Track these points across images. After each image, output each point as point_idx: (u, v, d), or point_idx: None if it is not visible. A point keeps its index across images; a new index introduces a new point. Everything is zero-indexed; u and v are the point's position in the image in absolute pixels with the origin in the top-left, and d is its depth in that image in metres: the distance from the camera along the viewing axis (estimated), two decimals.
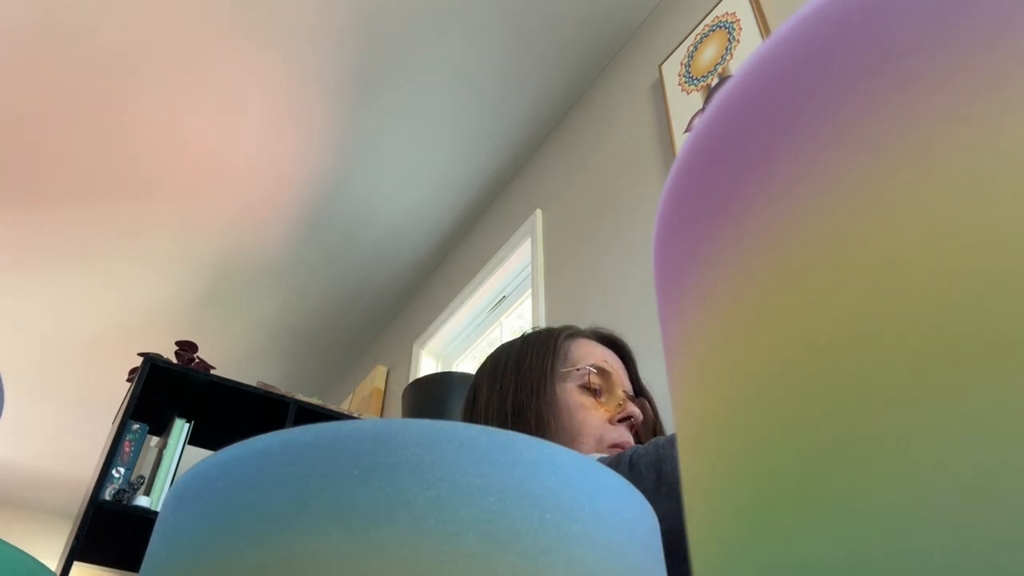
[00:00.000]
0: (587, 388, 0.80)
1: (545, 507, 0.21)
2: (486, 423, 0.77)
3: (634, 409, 0.80)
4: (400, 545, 0.20)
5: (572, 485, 0.22)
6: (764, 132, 0.14)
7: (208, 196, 2.59)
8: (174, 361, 2.07)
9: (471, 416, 0.84)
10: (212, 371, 2.13)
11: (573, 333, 0.87)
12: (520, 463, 0.22)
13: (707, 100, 1.58)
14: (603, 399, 0.80)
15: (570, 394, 0.79)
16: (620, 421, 0.79)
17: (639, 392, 0.86)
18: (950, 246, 0.11)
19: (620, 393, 0.81)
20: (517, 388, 0.79)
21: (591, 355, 0.83)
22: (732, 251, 0.15)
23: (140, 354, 1.96)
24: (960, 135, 0.11)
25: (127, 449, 1.97)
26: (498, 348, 0.89)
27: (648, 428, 0.84)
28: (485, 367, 0.86)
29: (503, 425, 0.75)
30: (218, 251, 2.84)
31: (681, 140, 1.60)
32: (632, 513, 0.24)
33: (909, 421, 0.10)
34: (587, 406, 0.78)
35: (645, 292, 1.52)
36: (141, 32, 2.03)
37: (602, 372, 0.81)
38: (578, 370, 0.80)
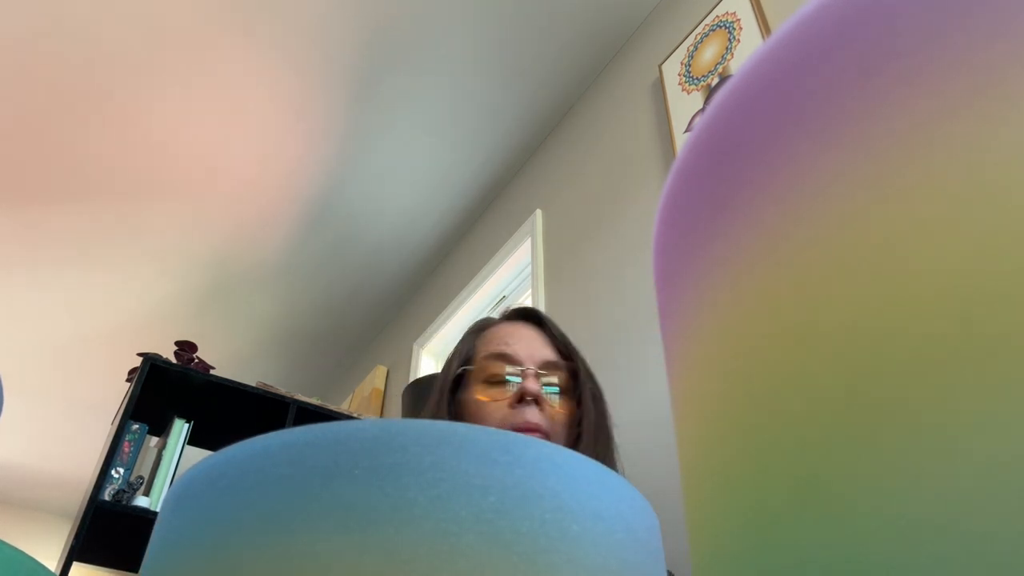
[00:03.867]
0: (489, 381, 0.78)
1: (545, 507, 0.21)
2: None
3: (530, 385, 0.77)
4: (400, 545, 0.20)
5: (572, 485, 0.22)
6: (764, 132, 0.14)
7: (208, 196, 2.59)
8: (174, 361, 2.07)
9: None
10: (212, 371, 2.13)
11: (482, 326, 0.86)
12: (520, 463, 0.22)
13: (707, 100, 1.58)
14: (506, 384, 0.78)
15: (472, 393, 0.78)
16: (520, 402, 0.76)
17: (566, 355, 0.83)
18: (950, 245, 0.11)
19: (509, 369, 0.78)
20: (437, 404, 0.79)
21: (491, 343, 0.82)
22: (732, 251, 0.15)
23: (140, 354, 1.96)
24: (960, 134, 0.11)
25: (127, 449, 1.97)
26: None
27: (575, 390, 0.81)
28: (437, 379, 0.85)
29: None
30: (218, 251, 2.84)
31: (681, 140, 1.60)
32: (632, 513, 0.24)
33: (908, 420, 0.10)
34: (486, 400, 0.77)
35: (645, 292, 1.52)
36: (142, 32, 2.03)
37: (497, 356, 0.79)
38: (473, 368, 0.80)
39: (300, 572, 0.20)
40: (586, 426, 0.78)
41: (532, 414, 0.76)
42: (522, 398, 0.76)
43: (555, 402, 0.78)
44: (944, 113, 0.11)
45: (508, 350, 0.80)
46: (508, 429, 0.73)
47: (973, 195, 0.11)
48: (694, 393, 0.16)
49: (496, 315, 0.90)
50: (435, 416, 0.78)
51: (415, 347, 2.73)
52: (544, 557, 0.20)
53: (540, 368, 0.79)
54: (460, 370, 0.81)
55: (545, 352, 0.81)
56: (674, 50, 1.73)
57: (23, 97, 2.20)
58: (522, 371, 0.79)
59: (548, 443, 0.23)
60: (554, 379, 0.80)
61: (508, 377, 0.78)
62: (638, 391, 1.39)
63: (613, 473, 0.24)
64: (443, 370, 0.83)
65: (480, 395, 0.77)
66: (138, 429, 2.02)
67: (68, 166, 2.45)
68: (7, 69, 2.11)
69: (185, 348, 2.15)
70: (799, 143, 0.14)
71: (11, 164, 2.43)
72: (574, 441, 0.78)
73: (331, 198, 2.61)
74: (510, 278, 2.33)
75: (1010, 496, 0.09)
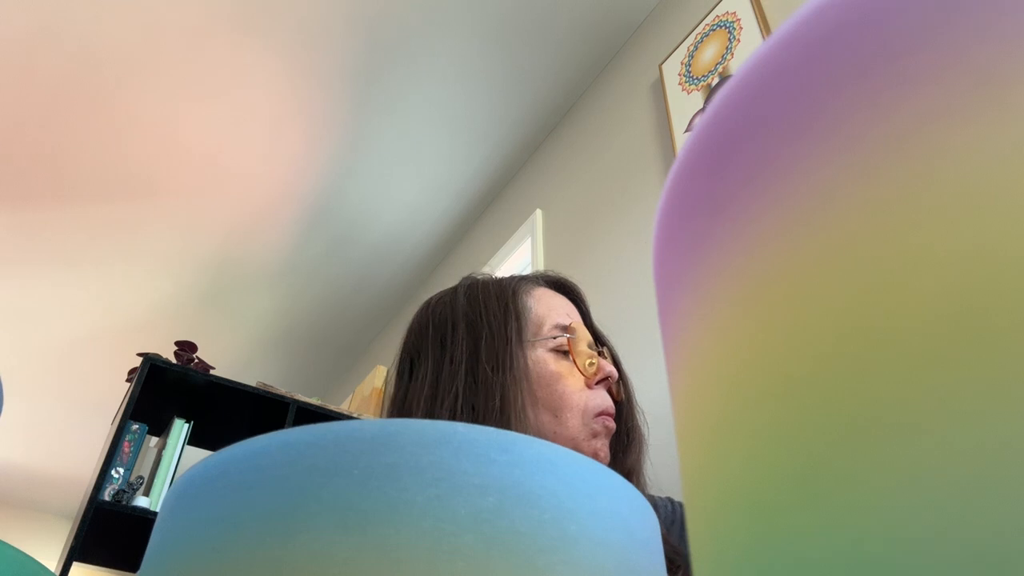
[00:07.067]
0: (558, 351, 0.70)
1: (544, 507, 0.21)
2: (432, 400, 0.66)
3: (610, 368, 0.71)
4: (399, 545, 0.20)
5: (571, 485, 0.22)
6: (764, 132, 0.14)
7: (208, 196, 2.59)
8: (173, 361, 2.07)
9: (407, 393, 0.70)
10: (212, 371, 2.13)
11: (525, 284, 0.75)
12: (519, 463, 0.22)
13: (708, 100, 1.58)
14: (574, 360, 0.70)
15: (543, 363, 0.68)
16: (598, 383, 0.70)
17: (599, 339, 0.76)
18: (951, 246, 0.11)
19: (588, 350, 0.71)
20: (475, 360, 0.67)
21: (553, 310, 0.73)
22: (732, 251, 0.15)
23: (139, 354, 1.96)
24: (961, 135, 0.11)
25: (126, 449, 1.97)
26: (435, 304, 0.75)
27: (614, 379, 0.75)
28: (425, 329, 0.72)
29: (454, 403, 0.64)
30: (218, 251, 2.84)
31: (681, 140, 1.60)
32: (632, 512, 0.24)
33: (909, 419, 0.10)
34: (563, 374, 0.68)
35: (645, 292, 1.52)
36: (142, 32, 2.03)
37: (569, 329, 0.71)
38: (554, 338, 0.70)
39: (299, 572, 0.20)
40: (628, 412, 0.75)
41: (609, 398, 0.70)
42: (601, 379, 0.70)
43: (613, 387, 0.73)
44: (946, 113, 0.11)
45: (577, 326, 0.72)
46: (586, 409, 0.67)
47: (974, 196, 0.11)
48: (694, 393, 0.16)
49: (530, 274, 0.79)
50: (471, 374, 0.66)
51: None
52: (543, 557, 0.20)
53: (598, 352, 0.73)
54: (560, 335, 0.70)
55: (589, 336, 0.74)
56: (674, 50, 1.73)
57: (23, 97, 2.20)
58: (596, 349, 0.72)
59: (547, 443, 0.23)
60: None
61: (588, 354, 0.71)
62: (638, 391, 1.39)
63: (612, 472, 0.24)
64: (468, 319, 0.71)
65: (555, 365, 0.69)
66: (138, 429, 2.02)
67: (67, 166, 2.44)
68: (7, 69, 2.11)
69: (185, 348, 2.15)
70: (800, 143, 0.14)
71: (10, 164, 2.43)
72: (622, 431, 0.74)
73: (331, 198, 2.61)
74: None
75: (1012, 496, 0.09)
